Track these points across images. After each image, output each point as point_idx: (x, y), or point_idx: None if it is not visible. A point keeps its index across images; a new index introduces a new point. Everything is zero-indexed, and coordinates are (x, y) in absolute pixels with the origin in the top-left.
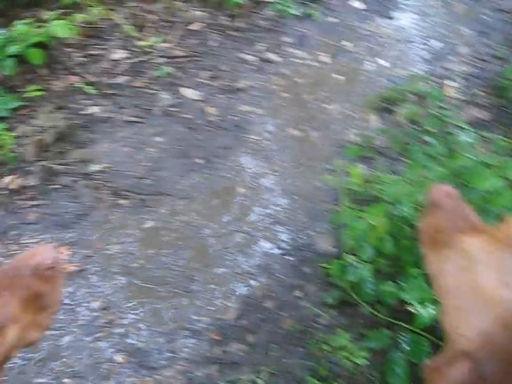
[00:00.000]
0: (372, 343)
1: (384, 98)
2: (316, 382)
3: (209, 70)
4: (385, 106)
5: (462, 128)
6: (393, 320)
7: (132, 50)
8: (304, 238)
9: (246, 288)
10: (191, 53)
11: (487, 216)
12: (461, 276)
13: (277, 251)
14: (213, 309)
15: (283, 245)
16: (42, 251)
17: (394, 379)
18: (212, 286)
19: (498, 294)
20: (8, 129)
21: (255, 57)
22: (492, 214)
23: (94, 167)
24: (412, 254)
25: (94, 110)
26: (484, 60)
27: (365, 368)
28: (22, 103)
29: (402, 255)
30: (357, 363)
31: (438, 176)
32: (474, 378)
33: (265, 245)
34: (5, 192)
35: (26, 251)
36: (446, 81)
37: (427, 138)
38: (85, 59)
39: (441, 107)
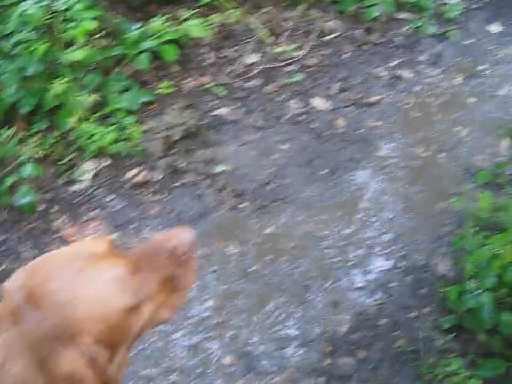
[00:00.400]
0: (485, 372)
1: None
2: None
3: (340, 82)
4: None
5: None
6: (509, 351)
7: (264, 56)
8: (423, 259)
9: (360, 303)
10: (323, 63)
11: None
12: None
13: (394, 269)
14: (326, 320)
15: (401, 263)
16: (180, 235)
17: None
18: (327, 298)
19: None
20: (137, 123)
21: (387, 73)
22: None
23: (219, 168)
24: None
25: (223, 111)
26: None
27: None
28: (152, 99)
29: None
30: None
31: None
32: None
33: (383, 262)
34: (129, 185)
35: (165, 232)
36: None
37: None
38: (217, 60)
39: None
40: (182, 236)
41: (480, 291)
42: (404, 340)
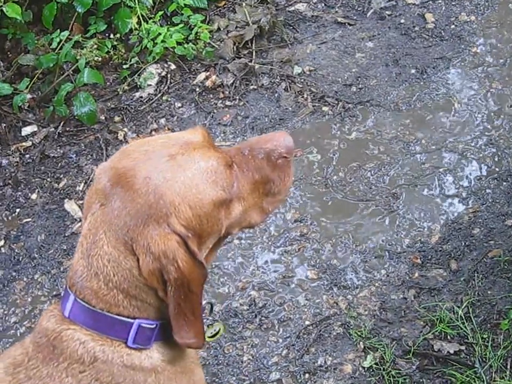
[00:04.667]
0: None
1: None
2: None
3: None
4: None
5: None
6: None
7: None
8: None
9: (453, 212)
10: None
11: None
12: None
13: (489, 175)
14: (416, 231)
15: (497, 168)
16: (278, 138)
17: None
18: (417, 206)
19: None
20: (205, 22)
21: None
22: None
23: (297, 69)
24: None
25: (301, 6)
26: None
27: None
28: None
29: None
30: None
31: None
32: None
33: (477, 167)
34: (199, 89)
35: (263, 135)
36: None
37: None
38: None
39: None
40: (280, 139)
41: None
42: (499, 250)
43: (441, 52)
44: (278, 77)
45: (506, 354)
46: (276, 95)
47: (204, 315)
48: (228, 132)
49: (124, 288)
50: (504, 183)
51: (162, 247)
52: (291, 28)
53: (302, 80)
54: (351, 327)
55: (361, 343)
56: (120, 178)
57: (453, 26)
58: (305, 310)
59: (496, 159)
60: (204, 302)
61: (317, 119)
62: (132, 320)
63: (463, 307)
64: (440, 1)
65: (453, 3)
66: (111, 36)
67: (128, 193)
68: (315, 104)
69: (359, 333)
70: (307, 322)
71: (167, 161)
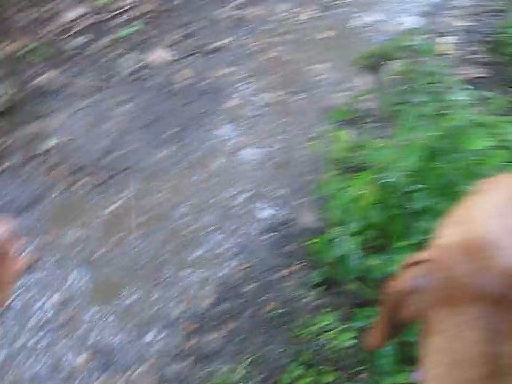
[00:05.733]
0: (359, 323)
1: (373, 56)
2: (300, 368)
3: (184, 29)
4: (374, 65)
5: (458, 86)
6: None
7: (90, 7)
8: (287, 212)
9: (224, 271)
10: (161, 9)
11: (477, 177)
12: None
13: (257, 228)
14: (188, 296)
15: (264, 221)
16: None
17: (383, 359)
18: (187, 270)
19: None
20: None
21: (234, 13)
22: (481, 175)
23: (49, 143)
24: (400, 224)
25: (47, 77)
26: (483, 14)
27: (352, 349)
28: None
29: (391, 226)
30: (344, 345)
31: (428, 137)
32: (420, 285)
33: (245, 222)
34: None
35: None
36: (442, 37)
37: (418, 97)
38: (34, 18)
39: (435, 64)
40: None
41: (345, 237)
42: (274, 303)
43: (201, 107)
44: (29, 153)
45: None
46: (28, 173)
47: None
48: None
49: None
50: (273, 235)
51: None
52: (39, 100)
53: (55, 154)
54: None
55: None
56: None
57: (210, 80)
58: None
59: (263, 213)
60: None
61: (74, 193)
62: None
63: (243, 367)
64: (197, 55)
65: (210, 57)
66: None
67: None
68: (71, 178)
69: None
70: None
71: None
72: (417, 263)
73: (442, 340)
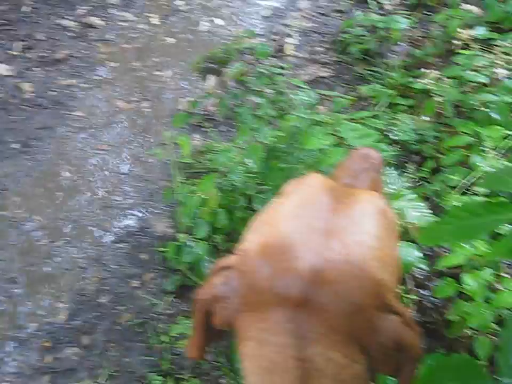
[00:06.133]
0: None
1: (211, 59)
2: (158, 377)
3: (23, 40)
4: (213, 68)
5: (299, 86)
6: None
7: None
8: (139, 221)
9: (77, 284)
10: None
11: None
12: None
13: (109, 239)
14: (41, 312)
15: (116, 231)
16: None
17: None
18: (39, 286)
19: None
20: None
21: (75, 23)
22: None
23: None
24: (244, 226)
25: None
26: (324, 14)
27: (209, 355)
28: None
29: (237, 228)
30: None
31: (269, 138)
32: (224, 292)
33: (96, 234)
34: None
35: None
36: (284, 39)
37: (256, 99)
38: None
39: (275, 65)
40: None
41: (194, 243)
42: (129, 314)
43: (43, 121)
44: None
45: None
46: None
47: None
48: None
49: None
50: (125, 245)
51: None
52: None
53: None
54: None
55: None
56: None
57: (52, 92)
58: None
59: (114, 223)
60: None
61: None
62: None
63: (102, 381)
64: (36, 69)
65: (50, 69)
66: None
67: (328, 290)
68: None
69: None
70: None
71: None
72: (223, 268)
73: (252, 347)
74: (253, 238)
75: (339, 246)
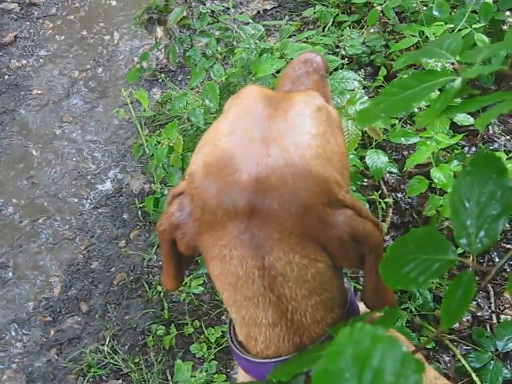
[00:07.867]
0: (204, 269)
1: (150, 9)
2: (161, 327)
3: None
4: (157, 18)
5: (244, 21)
6: None
7: None
8: (114, 183)
9: (67, 256)
10: None
11: None
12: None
13: (89, 206)
14: (37, 290)
15: (94, 197)
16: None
17: None
18: (30, 264)
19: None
20: None
21: (17, 4)
22: None
23: None
24: None
25: None
26: None
27: (204, 296)
28: None
29: None
30: (196, 293)
31: (223, 75)
32: (181, 218)
33: (76, 204)
34: None
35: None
36: None
37: (202, 39)
38: None
39: (217, 5)
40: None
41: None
42: (122, 273)
43: (2, 105)
44: None
45: (163, 368)
46: None
47: None
48: None
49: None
50: (106, 209)
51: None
52: None
53: None
54: None
55: None
56: (255, 187)
57: (6, 76)
58: None
59: (92, 189)
60: None
61: None
62: None
63: (107, 343)
64: None
65: (0, 54)
66: None
67: (273, 194)
68: None
69: None
70: None
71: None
72: (176, 196)
73: (217, 265)
74: (197, 159)
75: (278, 151)
